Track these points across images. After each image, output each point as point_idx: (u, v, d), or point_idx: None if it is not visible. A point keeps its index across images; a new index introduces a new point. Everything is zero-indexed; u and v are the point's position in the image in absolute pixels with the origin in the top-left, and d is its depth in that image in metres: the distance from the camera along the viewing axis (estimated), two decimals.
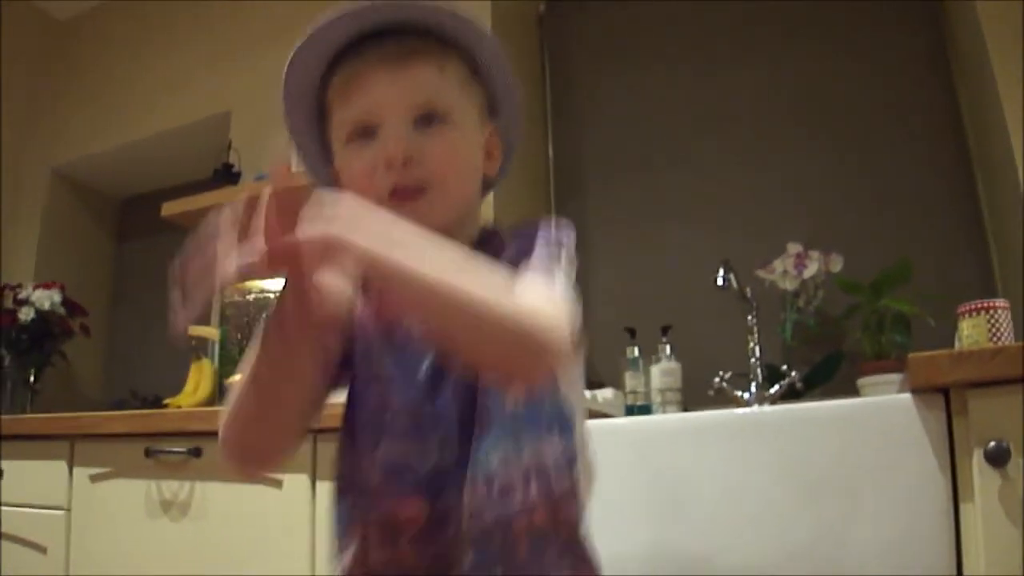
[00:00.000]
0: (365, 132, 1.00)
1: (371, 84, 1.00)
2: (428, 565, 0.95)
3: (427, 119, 0.99)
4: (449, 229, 0.93)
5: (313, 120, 1.09)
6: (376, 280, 0.76)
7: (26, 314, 3.27)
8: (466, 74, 1.06)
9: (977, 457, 1.38)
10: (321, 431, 1.93)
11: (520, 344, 0.83)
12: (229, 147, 3.14)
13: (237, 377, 0.92)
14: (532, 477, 0.95)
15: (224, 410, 0.93)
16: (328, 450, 1.94)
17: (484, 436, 0.96)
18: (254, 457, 0.97)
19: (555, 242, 1.01)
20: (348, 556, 0.98)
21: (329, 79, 1.04)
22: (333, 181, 1.09)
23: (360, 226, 0.74)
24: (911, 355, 1.47)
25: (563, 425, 1.01)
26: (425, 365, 0.99)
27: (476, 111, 1.07)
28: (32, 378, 3.35)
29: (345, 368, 1.04)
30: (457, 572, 0.93)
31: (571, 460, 1.00)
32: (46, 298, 3.30)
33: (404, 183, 0.97)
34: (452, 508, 0.94)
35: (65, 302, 3.36)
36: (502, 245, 1.04)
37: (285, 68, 1.04)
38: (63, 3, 4.02)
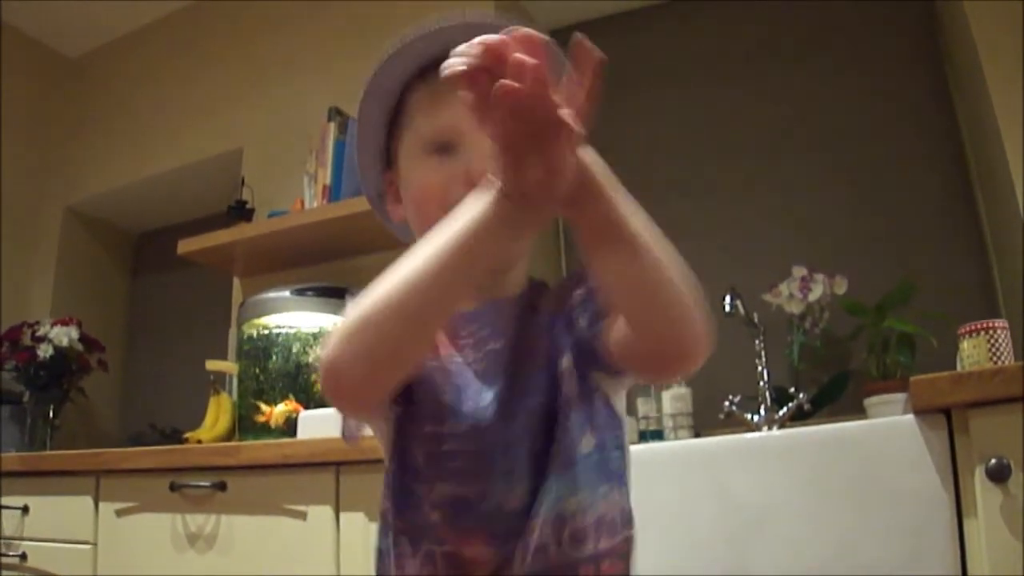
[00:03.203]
0: (444, 147, 0.98)
1: (460, 101, 0.95)
2: None
3: None
4: (510, 261, 1.00)
5: (381, 124, 1.07)
6: (587, 200, 0.79)
7: (45, 351, 3.31)
8: None
9: (979, 474, 1.43)
10: (343, 463, 1.98)
11: (696, 331, 0.86)
12: (243, 184, 3.19)
13: (369, 299, 0.81)
14: (603, 528, 0.93)
15: (348, 328, 0.82)
16: (351, 482, 2.00)
17: (561, 475, 0.92)
18: (366, 388, 0.85)
19: None
20: None
21: (412, 87, 1.03)
22: (382, 187, 1.10)
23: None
24: (913, 378, 1.52)
25: (623, 478, 0.99)
26: (491, 394, 0.95)
27: None
28: (52, 414, 3.39)
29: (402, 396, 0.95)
30: None
31: (629, 516, 0.98)
32: (64, 334, 3.34)
33: None
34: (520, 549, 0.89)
35: (83, 338, 3.40)
36: (551, 293, 1.04)
37: (377, 66, 1.03)
38: (73, 42, 4.09)
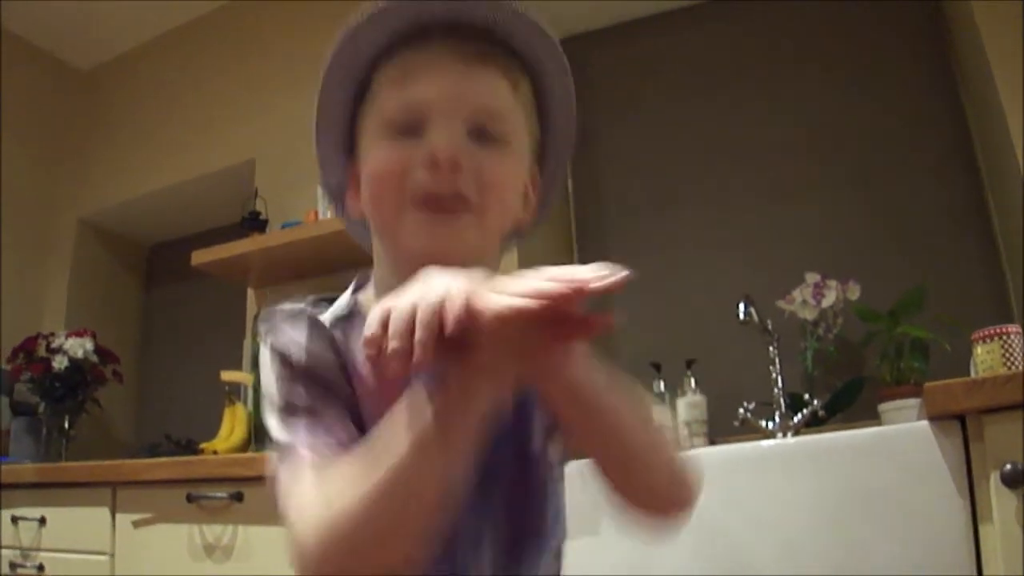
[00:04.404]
0: (409, 128, 0.84)
1: (435, 75, 0.85)
2: None
3: (484, 133, 0.84)
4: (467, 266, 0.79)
5: (345, 105, 0.92)
6: (568, 397, 0.73)
7: (60, 362, 3.31)
8: (532, 105, 0.92)
9: (994, 480, 1.43)
10: None
11: (680, 492, 0.88)
12: (256, 195, 3.20)
13: (346, 472, 0.72)
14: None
15: (329, 513, 0.70)
16: None
17: (543, 548, 0.90)
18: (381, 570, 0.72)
19: None
20: None
21: (379, 66, 0.89)
22: (345, 177, 0.95)
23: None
24: (927, 384, 1.52)
25: (558, 515, 0.95)
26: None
27: (529, 148, 0.92)
28: (67, 425, 3.40)
29: None
30: None
31: (560, 546, 0.95)
32: (79, 346, 3.35)
33: (442, 190, 0.82)
34: None
35: (97, 349, 3.41)
36: None
37: (335, 45, 0.89)
38: (85, 54, 4.11)
